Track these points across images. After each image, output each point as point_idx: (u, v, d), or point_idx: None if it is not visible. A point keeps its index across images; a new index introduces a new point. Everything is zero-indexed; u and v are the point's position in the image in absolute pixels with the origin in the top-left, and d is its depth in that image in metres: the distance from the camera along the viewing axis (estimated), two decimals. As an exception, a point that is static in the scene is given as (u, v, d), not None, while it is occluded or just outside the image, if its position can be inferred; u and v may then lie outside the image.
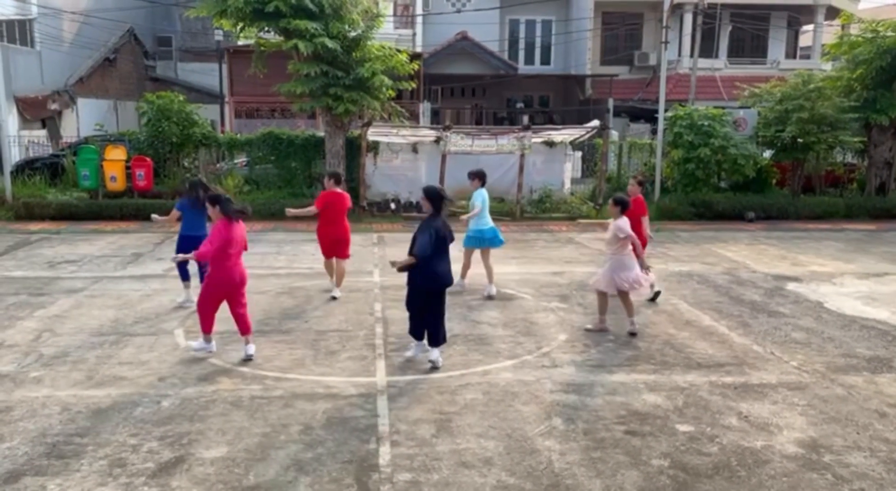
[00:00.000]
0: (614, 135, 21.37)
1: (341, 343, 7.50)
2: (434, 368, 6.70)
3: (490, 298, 9.48)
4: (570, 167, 19.25)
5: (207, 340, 7.05)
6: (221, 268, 6.76)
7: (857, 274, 11.20)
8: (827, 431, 5.51)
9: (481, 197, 9.58)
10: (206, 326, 7.00)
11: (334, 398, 6.02)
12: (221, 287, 6.84)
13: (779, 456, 5.08)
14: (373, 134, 17.01)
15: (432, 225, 6.66)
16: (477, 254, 9.81)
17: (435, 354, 6.77)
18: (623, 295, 7.89)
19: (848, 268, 11.67)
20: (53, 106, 25.15)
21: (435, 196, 6.80)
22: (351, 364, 6.87)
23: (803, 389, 6.35)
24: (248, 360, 6.91)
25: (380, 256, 12.21)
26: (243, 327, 7.01)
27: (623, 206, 7.93)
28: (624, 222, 7.80)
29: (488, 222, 9.66)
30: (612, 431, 5.45)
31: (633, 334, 7.81)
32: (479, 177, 9.71)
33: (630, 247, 7.85)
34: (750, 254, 12.89)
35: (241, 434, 5.31)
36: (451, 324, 8.19)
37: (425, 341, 6.89)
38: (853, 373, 6.79)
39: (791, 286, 10.38)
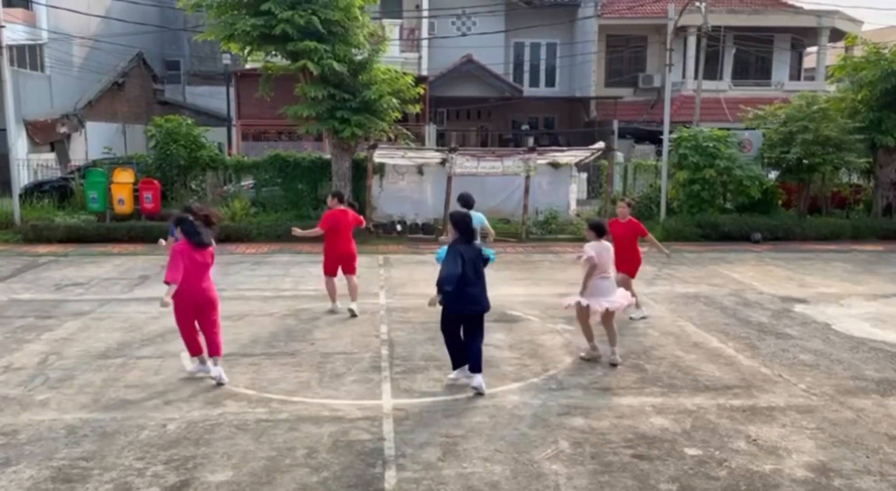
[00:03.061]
0: (619, 156, 21.43)
1: (347, 365, 7.48)
2: (479, 394, 6.61)
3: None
4: (576, 189, 19.29)
5: (202, 361, 7.03)
6: (180, 288, 6.72)
7: (865, 295, 11.14)
8: (836, 454, 5.46)
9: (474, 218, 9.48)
10: (192, 349, 6.98)
11: (340, 421, 6.00)
12: (182, 306, 6.81)
13: (788, 480, 5.03)
14: (379, 156, 17.11)
15: (458, 250, 6.53)
16: None
17: (478, 379, 6.67)
18: (606, 321, 7.63)
19: (856, 289, 11.62)
20: (62, 129, 25.40)
21: (460, 222, 6.66)
22: (357, 387, 6.86)
23: (812, 412, 6.30)
24: (219, 383, 6.84)
25: (385, 278, 12.22)
26: (212, 348, 6.96)
27: (598, 231, 7.69)
28: (590, 245, 7.53)
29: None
30: (620, 454, 5.42)
31: (613, 365, 7.53)
32: (462, 201, 9.22)
33: (596, 269, 7.53)
34: (757, 275, 12.85)
35: (246, 458, 5.29)
36: (457, 346, 8.19)
37: (466, 367, 6.83)
38: (862, 395, 6.73)
39: (798, 308, 10.33)
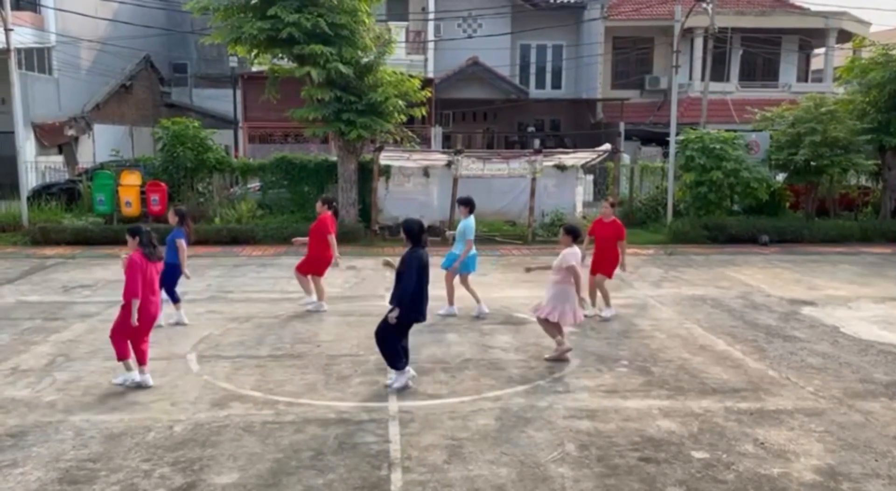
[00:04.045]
0: (626, 158, 21.41)
1: (353, 368, 7.48)
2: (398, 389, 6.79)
3: (482, 315, 9.52)
4: (582, 191, 19.25)
5: (128, 368, 6.86)
6: (147, 302, 6.73)
7: (873, 298, 11.08)
8: (845, 458, 5.42)
9: (463, 226, 9.53)
10: (122, 355, 6.81)
11: (346, 423, 5.99)
12: (144, 322, 6.78)
13: (796, 484, 5.00)
14: (385, 158, 17.12)
15: (417, 259, 6.75)
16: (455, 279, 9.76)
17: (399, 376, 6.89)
18: (549, 323, 7.70)
19: (864, 292, 11.56)
20: (70, 132, 25.52)
21: (415, 230, 6.90)
22: (363, 389, 6.85)
23: (820, 416, 6.26)
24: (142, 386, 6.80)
25: (391, 280, 12.19)
26: (144, 358, 6.91)
27: (575, 236, 7.75)
28: (573, 252, 7.60)
29: (472, 249, 9.61)
30: (627, 457, 5.39)
31: (554, 360, 7.60)
32: (466, 204, 9.67)
33: (572, 279, 7.60)
34: (764, 277, 12.80)
35: (252, 460, 5.29)
36: (463, 349, 8.20)
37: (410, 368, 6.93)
38: (871, 399, 6.69)
39: (806, 310, 10.28)
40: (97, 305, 10.28)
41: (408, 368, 6.93)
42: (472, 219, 9.61)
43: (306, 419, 6.07)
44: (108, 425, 5.91)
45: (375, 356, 7.88)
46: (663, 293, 11.42)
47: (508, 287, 11.21)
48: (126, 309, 6.70)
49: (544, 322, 7.77)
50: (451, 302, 9.70)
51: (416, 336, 8.56)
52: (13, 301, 10.58)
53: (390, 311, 6.68)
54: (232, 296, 10.99)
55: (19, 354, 7.93)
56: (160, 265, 7.13)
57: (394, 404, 6.44)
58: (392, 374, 6.90)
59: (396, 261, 7.07)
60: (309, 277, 9.94)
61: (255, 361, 7.69)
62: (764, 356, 8.03)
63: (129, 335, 6.78)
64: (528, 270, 8.41)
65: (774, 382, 7.13)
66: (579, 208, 18.70)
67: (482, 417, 6.14)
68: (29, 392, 6.71)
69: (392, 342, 6.81)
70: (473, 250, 9.63)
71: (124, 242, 7.07)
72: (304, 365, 7.58)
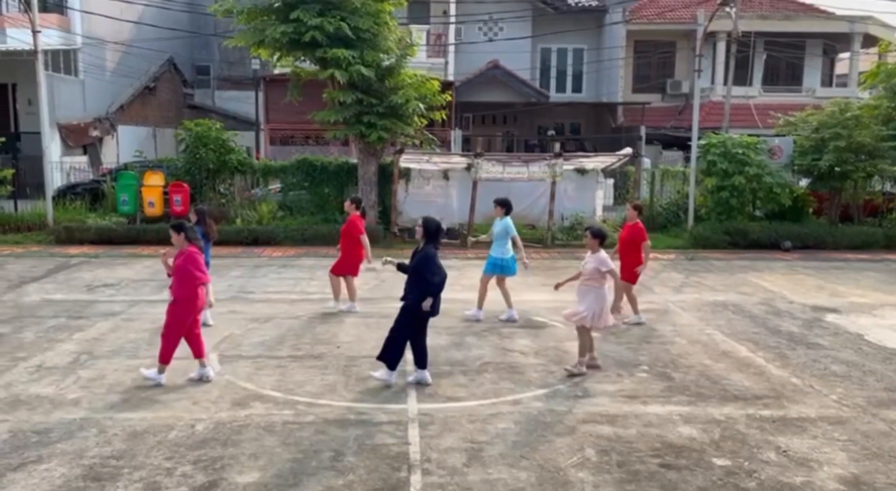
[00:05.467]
0: (646, 162, 21.27)
1: (373, 369, 7.48)
2: (425, 384, 6.97)
3: (512, 320, 9.47)
4: (602, 195, 19.15)
5: (161, 371, 6.98)
6: (192, 294, 6.91)
7: (898, 305, 10.94)
8: (869, 467, 5.35)
9: (503, 226, 9.58)
10: (166, 358, 6.95)
11: (366, 425, 6.01)
12: (192, 313, 6.99)
13: (820, 493, 4.95)
14: (405, 161, 17.16)
15: (430, 253, 6.91)
16: (491, 281, 9.78)
17: (426, 375, 7.05)
18: (587, 331, 7.49)
19: (889, 299, 11.40)
20: (95, 133, 25.84)
21: (433, 228, 7.04)
22: (382, 390, 6.87)
23: (844, 424, 6.19)
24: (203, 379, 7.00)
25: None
26: (202, 350, 7.15)
27: (602, 239, 7.64)
28: (605, 256, 7.49)
29: (510, 251, 9.64)
30: (647, 463, 5.36)
31: (571, 375, 7.36)
32: (502, 205, 9.77)
33: (610, 281, 7.49)
34: (787, 284, 12.67)
35: (273, 460, 5.33)
36: (483, 352, 8.19)
37: (395, 371, 7.04)
38: (895, 407, 6.61)
39: (830, 317, 10.17)
40: (120, 304, 10.40)
41: (426, 372, 7.07)
42: (507, 219, 9.65)
43: (326, 420, 6.10)
44: (131, 423, 5.97)
45: (395, 358, 7.92)
46: (684, 299, 11.34)
47: (528, 291, 11.18)
48: (178, 306, 6.87)
49: (582, 330, 7.53)
50: (480, 306, 9.70)
51: (436, 338, 8.58)
52: (38, 299, 10.73)
53: (420, 301, 6.80)
54: (253, 296, 11.07)
55: (44, 351, 8.04)
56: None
57: (413, 406, 6.45)
58: (381, 369, 7.03)
59: (401, 259, 7.32)
60: (341, 279, 10.01)
61: (275, 362, 7.74)
62: (787, 363, 7.95)
63: (183, 332, 6.95)
64: (559, 286, 8.10)
65: (797, 390, 7.06)
66: (599, 212, 18.60)
67: (501, 421, 6.13)
68: (53, 389, 6.80)
69: (402, 340, 6.95)
70: (511, 253, 9.64)
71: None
72: (324, 366, 7.61)
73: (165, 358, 6.96)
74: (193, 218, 9.41)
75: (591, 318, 7.39)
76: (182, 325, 6.93)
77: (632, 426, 6.06)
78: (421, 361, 7.11)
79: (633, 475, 5.17)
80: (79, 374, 7.26)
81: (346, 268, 10.00)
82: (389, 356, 6.95)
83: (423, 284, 6.80)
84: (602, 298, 7.44)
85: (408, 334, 6.96)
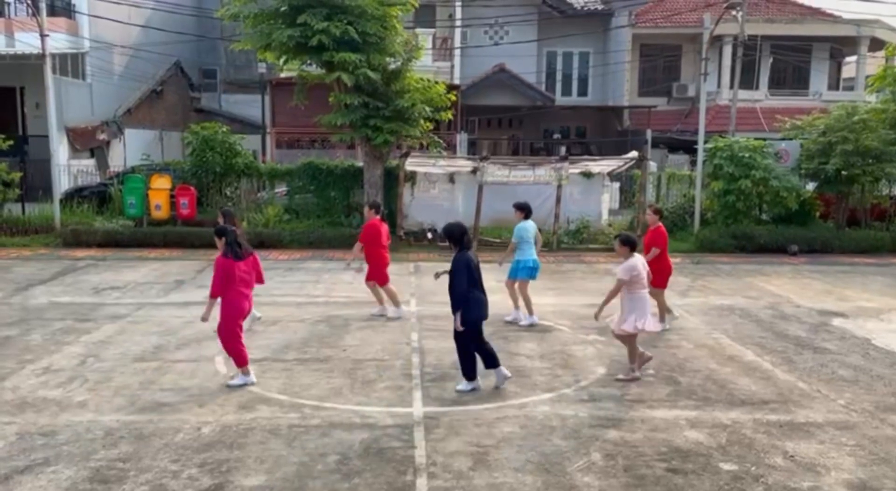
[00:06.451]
0: (653, 166, 21.24)
1: (378, 372, 7.51)
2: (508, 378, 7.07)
3: (534, 325, 9.54)
4: (608, 198, 19.16)
5: (245, 373, 7.10)
6: (228, 300, 6.91)
7: (906, 310, 10.89)
8: (877, 472, 5.33)
9: (524, 230, 9.59)
10: (242, 360, 7.07)
11: (371, 428, 6.01)
12: (235, 319, 6.98)
13: (827, 498, 4.93)
14: (410, 164, 17.19)
15: (466, 260, 6.80)
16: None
17: (501, 372, 7.06)
18: (632, 338, 7.41)
19: (896, 303, 11.36)
20: (102, 136, 25.94)
21: (456, 234, 6.95)
22: (388, 394, 6.87)
23: (851, 429, 6.16)
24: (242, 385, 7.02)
25: (416, 286, 12.24)
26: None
27: (633, 246, 7.45)
28: (627, 264, 7.30)
29: (533, 254, 9.64)
30: (654, 468, 5.35)
31: (621, 380, 7.33)
32: (521, 209, 9.78)
33: (645, 285, 7.40)
34: (793, 288, 12.62)
35: (279, 463, 5.33)
36: (489, 355, 8.17)
37: (479, 379, 7.01)
38: (904, 413, 6.57)
39: (837, 322, 10.12)
40: (127, 307, 10.43)
41: (500, 368, 7.07)
42: (528, 222, 9.68)
43: (332, 423, 6.10)
44: (138, 426, 5.99)
45: (400, 361, 7.93)
46: (690, 302, 11.31)
47: (534, 294, 11.14)
48: (222, 307, 6.92)
49: (627, 338, 7.44)
50: (516, 306, 9.77)
51: (440, 342, 8.60)
52: (45, 302, 10.77)
53: (462, 321, 6.74)
54: (259, 299, 11.04)
55: (51, 354, 8.07)
56: (252, 260, 7.25)
57: (419, 410, 6.45)
58: (462, 382, 6.98)
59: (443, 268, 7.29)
60: (377, 286, 9.97)
61: (281, 365, 7.75)
62: (793, 368, 7.92)
63: (234, 334, 6.96)
64: (597, 317, 7.61)
65: (804, 395, 7.03)
66: (605, 216, 18.60)
67: (507, 425, 6.12)
68: (60, 392, 6.82)
69: (467, 348, 6.89)
70: (534, 257, 9.65)
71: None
72: (330, 369, 7.62)
73: (239, 361, 7.05)
74: (220, 220, 9.40)
75: (625, 324, 7.28)
76: (226, 328, 6.96)
77: (638, 430, 6.04)
78: (491, 362, 7.03)
79: (639, 480, 5.15)
80: (86, 376, 7.28)
81: (373, 275, 9.91)
82: (465, 371, 6.98)
83: (453, 297, 6.79)
84: (635, 302, 7.30)
85: (470, 350, 6.91)
